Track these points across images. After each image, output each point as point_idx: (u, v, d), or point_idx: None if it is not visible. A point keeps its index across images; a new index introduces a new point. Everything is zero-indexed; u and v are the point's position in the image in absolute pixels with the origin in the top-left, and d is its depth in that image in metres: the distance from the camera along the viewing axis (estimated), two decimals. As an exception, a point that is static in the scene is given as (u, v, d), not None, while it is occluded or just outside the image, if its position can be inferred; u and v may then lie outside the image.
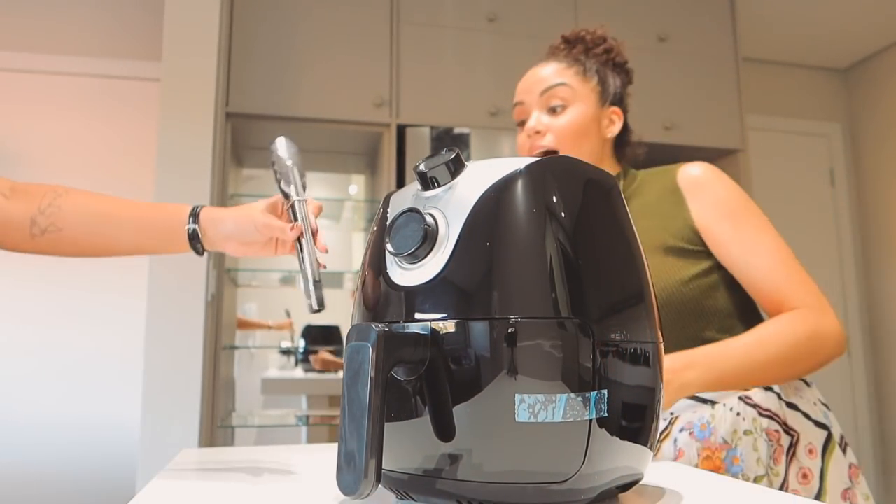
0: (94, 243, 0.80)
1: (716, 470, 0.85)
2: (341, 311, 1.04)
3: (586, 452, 0.47)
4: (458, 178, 0.53)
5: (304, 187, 0.79)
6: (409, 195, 0.56)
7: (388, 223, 0.54)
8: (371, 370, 0.44)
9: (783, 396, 0.91)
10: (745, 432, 0.87)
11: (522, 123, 1.10)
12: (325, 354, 2.88)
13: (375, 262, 0.55)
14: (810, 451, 0.89)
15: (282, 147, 0.81)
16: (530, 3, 2.61)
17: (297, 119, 2.34)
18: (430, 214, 0.52)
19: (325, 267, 0.76)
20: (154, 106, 2.13)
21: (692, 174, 0.99)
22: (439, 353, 0.48)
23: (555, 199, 0.50)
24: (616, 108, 1.09)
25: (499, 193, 0.51)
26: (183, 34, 2.05)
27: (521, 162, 0.52)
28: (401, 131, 2.41)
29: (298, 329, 3.15)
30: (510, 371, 0.46)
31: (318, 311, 0.72)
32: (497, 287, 0.48)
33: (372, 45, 2.43)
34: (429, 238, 0.51)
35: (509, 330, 0.47)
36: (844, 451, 0.91)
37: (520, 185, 0.50)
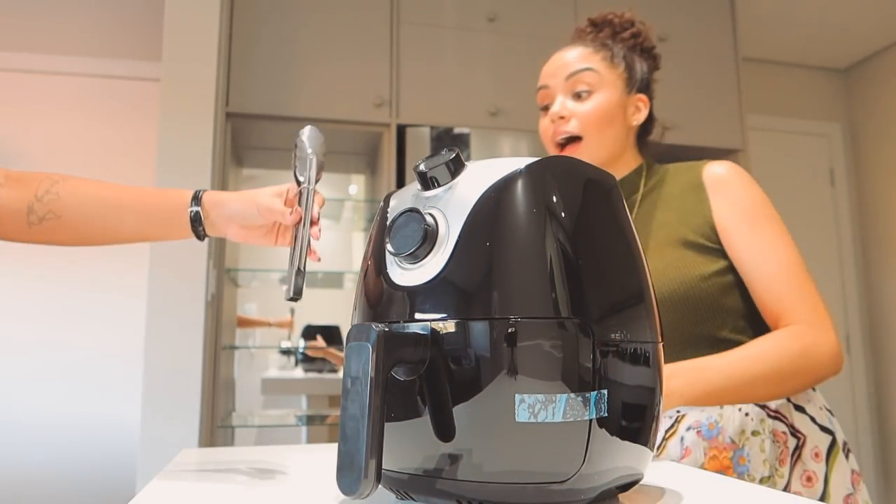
0: (95, 230, 0.78)
1: (722, 470, 0.84)
2: (341, 311, 1.04)
3: (586, 452, 0.47)
4: (458, 178, 0.53)
5: (317, 179, 0.78)
6: (409, 195, 0.56)
7: (388, 223, 0.54)
8: (371, 370, 0.44)
9: (791, 399, 0.90)
10: (753, 433, 0.86)
11: (546, 108, 1.07)
12: (321, 342, 2.88)
13: (375, 262, 0.55)
14: (816, 455, 0.89)
15: (307, 136, 0.81)
16: (530, 3, 2.61)
17: (297, 119, 2.34)
18: (430, 214, 0.52)
19: (319, 259, 0.75)
20: (154, 106, 2.13)
21: (717, 172, 0.98)
22: (439, 353, 0.48)
23: (555, 199, 0.50)
24: (642, 96, 1.07)
25: (499, 193, 0.51)
26: (183, 34, 2.05)
27: (521, 162, 0.52)
28: (401, 131, 2.41)
29: (298, 328, 3.15)
30: (510, 371, 0.46)
31: (295, 300, 0.71)
32: (497, 287, 0.48)
33: (372, 45, 2.43)
34: (429, 238, 0.51)
35: (509, 330, 0.47)
36: (847, 457, 0.91)
37: (520, 185, 0.50)
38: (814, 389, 0.95)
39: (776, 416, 0.88)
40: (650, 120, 1.10)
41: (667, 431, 0.89)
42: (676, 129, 2.57)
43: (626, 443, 0.51)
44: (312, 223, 0.75)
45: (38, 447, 2.46)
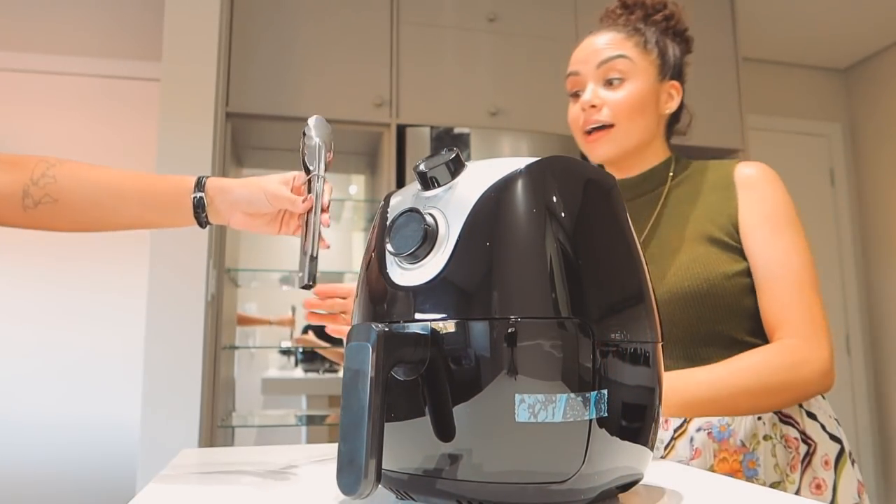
0: (93, 216, 0.75)
1: (732, 473, 0.83)
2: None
3: (586, 452, 0.47)
4: (458, 178, 0.53)
5: (326, 167, 0.78)
6: (409, 195, 0.56)
7: (388, 223, 0.54)
8: (371, 370, 0.44)
9: (804, 405, 0.89)
10: (765, 437, 0.85)
11: (575, 95, 1.04)
12: (311, 336, 2.87)
13: (375, 262, 0.55)
14: (825, 463, 0.88)
15: (314, 124, 0.81)
16: (530, 3, 2.61)
17: (298, 119, 2.34)
18: (430, 214, 0.52)
19: (328, 246, 0.75)
20: (154, 106, 2.13)
21: (749, 173, 0.97)
22: (439, 353, 0.48)
23: (555, 199, 0.50)
24: (675, 83, 1.04)
25: (499, 193, 0.51)
26: (183, 34, 2.05)
27: (521, 162, 0.52)
28: (401, 131, 2.41)
29: (299, 327, 3.15)
30: (510, 371, 0.46)
31: (309, 286, 0.71)
32: (497, 287, 0.48)
33: (372, 45, 2.43)
34: (429, 238, 0.51)
35: (509, 330, 0.47)
36: (853, 465, 0.91)
37: (520, 185, 0.50)
38: (823, 397, 0.93)
39: (788, 421, 0.87)
40: (680, 107, 1.07)
41: (676, 431, 0.88)
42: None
43: (626, 443, 0.51)
44: (322, 211, 0.74)
45: (38, 447, 2.46)
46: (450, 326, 0.48)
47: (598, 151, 1.01)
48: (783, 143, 3.47)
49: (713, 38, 2.77)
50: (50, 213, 0.74)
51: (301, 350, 3.11)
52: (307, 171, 0.78)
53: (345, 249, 3.19)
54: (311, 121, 0.82)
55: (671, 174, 1.03)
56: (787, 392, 0.86)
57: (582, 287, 0.49)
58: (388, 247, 0.53)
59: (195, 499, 0.57)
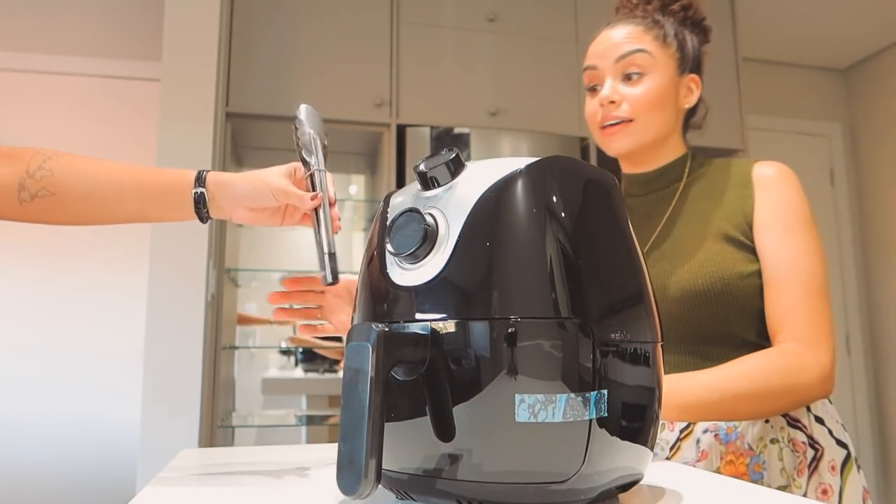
0: (91, 209, 0.74)
1: (738, 476, 0.83)
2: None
3: (586, 452, 0.47)
4: (458, 178, 0.53)
5: (324, 158, 0.77)
6: (409, 195, 0.56)
7: (388, 223, 0.54)
8: (371, 370, 0.44)
9: (811, 409, 0.89)
10: (772, 440, 0.85)
11: (593, 89, 1.01)
12: (305, 335, 2.86)
13: (375, 262, 0.55)
14: (832, 468, 0.87)
15: (305, 115, 0.79)
16: (530, 3, 2.61)
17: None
18: (430, 214, 0.52)
19: (340, 228, 0.75)
20: (154, 106, 2.13)
21: (767, 172, 0.95)
22: (439, 353, 0.48)
23: (555, 199, 0.50)
24: (695, 77, 1.02)
25: (499, 193, 0.51)
26: (183, 34, 2.05)
27: (521, 162, 0.52)
28: (401, 131, 2.41)
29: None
30: (510, 371, 0.46)
31: (333, 283, 0.71)
32: (497, 287, 0.48)
33: (372, 45, 2.43)
34: (429, 238, 0.51)
35: (509, 330, 0.47)
36: (859, 471, 0.90)
37: (520, 185, 0.50)
38: (830, 402, 0.93)
39: (797, 424, 0.87)
40: (698, 102, 1.05)
41: (682, 432, 0.87)
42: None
43: (626, 443, 0.51)
44: (331, 204, 0.74)
45: (38, 447, 2.46)
46: (450, 326, 0.48)
47: (614, 145, 0.99)
48: (783, 143, 3.47)
49: (713, 38, 2.77)
50: (47, 206, 0.72)
51: (301, 350, 3.11)
52: (305, 165, 0.77)
53: (345, 249, 3.19)
54: (301, 112, 0.80)
55: (687, 171, 1.02)
56: (786, 397, 0.85)
57: (582, 287, 0.48)
58: (389, 247, 0.53)
59: (195, 499, 0.57)
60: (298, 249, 3.12)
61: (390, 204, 0.58)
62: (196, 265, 1.94)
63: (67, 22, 2.67)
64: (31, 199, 0.72)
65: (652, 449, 0.55)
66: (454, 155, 0.53)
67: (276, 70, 2.34)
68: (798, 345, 0.86)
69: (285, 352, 3.33)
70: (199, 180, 0.74)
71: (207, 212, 0.75)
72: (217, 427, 2.10)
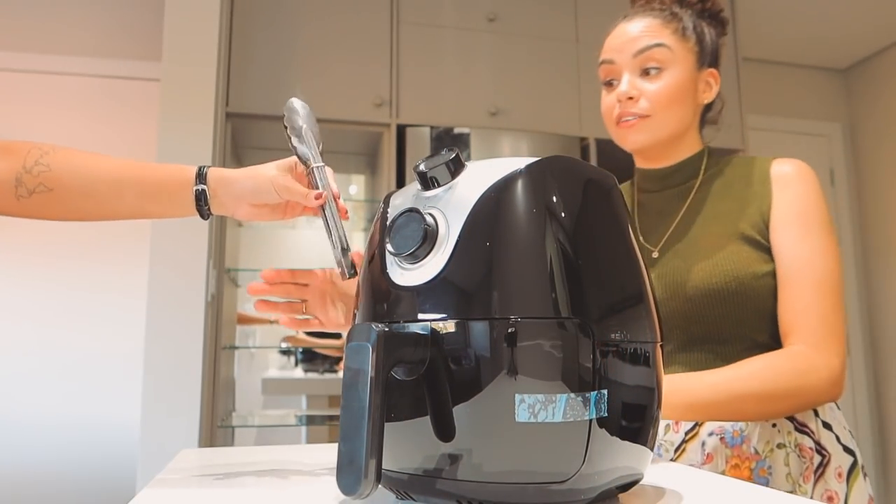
0: (90, 205, 0.72)
1: (743, 480, 0.83)
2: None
3: (586, 452, 0.47)
4: (458, 178, 0.53)
5: (320, 152, 0.76)
6: (409, 195, 0.56)
7: (388, 223, 0.54)
8: (371, 370, 0.44)
9: (819, 414, 0.88)
10: (779, 445, 0.84)
11: (609, 84, 0.99)
12: (301, 334, 2.84)
13: (375, 262, 0.55)
14: (839, 475, 0.86)
15: (298, 109, 0.78)
16: (530, 3, 2.61)
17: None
18: (430, 214, 0.52)
19: (348, 218, 0.75)
20: (154, 106, 2.13)
21: (785, 170, 0.94)
22: (439, 353, 0.48)
23: (555, 199, 0.50)
24: (713, 71, 0.99)
25: (499, 193, 0.51)
26: (183, 34, 2.05)
27: (521, 162, 0.52)
28: (401, 131, 2.41)
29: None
30: (510, 371, 0.46)
31: (352, 276, 0.71)
32: (497, 287, 0.48)
33: (372, 45, 2.43)
34: (429, 238, 0.51)
35: (509, 330, 0.47)
36: (865, 479, 0.89)
37: (520, 185, 0.50)
38: (838, 407, 0.92)
39: (804, 430, 0.86)
40: (716, 97, 1.02)
41: (687, 434, 0.87)
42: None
43: (626, 443, 0.51)
44: (335, 199, 0.74)
45: (38, 447, 2.46)
46: (450, 326, 0.48)
47: (630, 139, 0.98)
48: (783, 143, 3.47)
49: (713, 38, 2.77)
50: (44, 202, 0.71)
51: (301, 350, 3.11)
52: (303, 161, 0.76)
53: (345, 249, 3.18)
54: (293, 105, 0.78)
55: (703, 168, 1.00)
56: (794, 399, 0.84)
57: (582, 287, 0.48)
58: (389, 247, 0.53)
59: (195, 499, 0.57)
60: (298, 249, 3.11)
61: (390, 204, 0.58)
62: (196, 265, 1.94)
63: (67, 22, 2.68)
64: (29, 195, 0.70)
65: (652, 449, 0.55)
66: (454, 155, 0.53)
67: (276, 70, 2.34)
68: (808, 347, 0.85)
69: (285, 352, 3.33)
70: (200, 177, 0.73)
71: (209, 208, 0.74)
72: (217, 427, 2.10)
